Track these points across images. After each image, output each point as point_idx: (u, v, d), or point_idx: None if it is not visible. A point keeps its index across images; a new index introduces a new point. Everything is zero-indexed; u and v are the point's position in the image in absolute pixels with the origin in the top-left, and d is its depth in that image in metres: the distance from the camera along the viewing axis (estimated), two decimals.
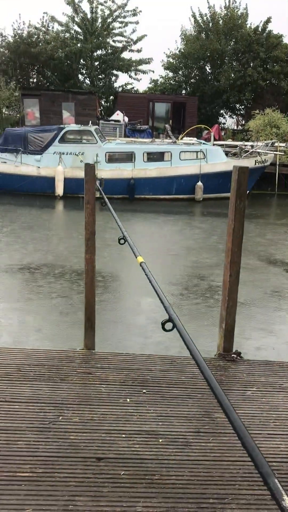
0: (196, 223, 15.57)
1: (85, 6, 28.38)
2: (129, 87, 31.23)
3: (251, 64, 28.16)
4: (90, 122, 19.73)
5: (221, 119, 31.53)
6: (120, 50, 29.39)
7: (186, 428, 3.23)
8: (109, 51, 29.46)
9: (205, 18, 29.43)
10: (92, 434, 3.09)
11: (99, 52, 29.61)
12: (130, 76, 30.44)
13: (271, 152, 19.83)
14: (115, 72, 30.39)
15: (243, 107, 30.82)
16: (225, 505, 2.56)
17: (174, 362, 4.17)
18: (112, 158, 18.02)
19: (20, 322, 6.63)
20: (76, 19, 28.38)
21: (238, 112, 31.50)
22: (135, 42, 29.27)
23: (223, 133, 27.27)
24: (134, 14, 28.61)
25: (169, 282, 8.52)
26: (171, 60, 31.21)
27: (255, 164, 18.44)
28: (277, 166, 20.64)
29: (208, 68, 30.57)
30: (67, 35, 28.52)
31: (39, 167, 17.71)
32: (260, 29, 28.55)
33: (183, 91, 31.15)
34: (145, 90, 31.95)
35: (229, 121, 32.43)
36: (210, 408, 3.42)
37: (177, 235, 13.06)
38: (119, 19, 28.77)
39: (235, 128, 30.78)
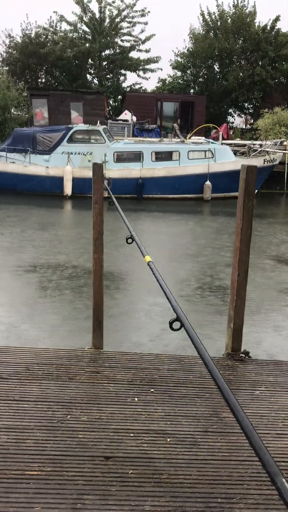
0: (205, 222, 15.55)
1: (94, 6, 28.48)
2: (137, 86, 31.25)
3: (260, 63, 28.04)
4: (98, 121, 19.76)
5: (229, 118, 31.44)
6: (128, 49, 29.40)
7: (194, 427, 3.22)
8: (117, 50, 29.48)
9: (213, 16, 29.35)
10: (100, 433, 3.10)
11: (107, 51, 29.64)
12: (138, 76, 30.46)
13: (280, 151, 19.75)
14: (123, 71, 30.42)
15: (251, 106, 30.71)
16: (233, 504, 2.56)
17: (182, 361, 4.17)
18: (121, 157, 18.04)
19: (29, 321, 6.66)
20: (84, 18, 28.43)
21: (247, 111, 31.40)
22: (143, 42, 29.28)
23: (231, 132, 27.18)
24: (143, 15, 28.63)
25: (177, 281, 8.52)
26: (179, 59, 31.17)
27: (264, 163, 18.38)
28: (286, 165, 20.53)
29: (216, 67, 30.49)
30: (75, 35, 28.57)
31: (47, 167, 17.77)
32: (268, 28, 28.42)
33: (191, 90, 31.09)
34: (153, 90, 31.94)
35: (237, 120, 32.36)
36: (218, 408, 3.42)
37: (185, 235, 13.04)
38: (127, 19, 28.78)
39: (244, 127, 30.68)
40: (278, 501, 2.56)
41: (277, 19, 28.33)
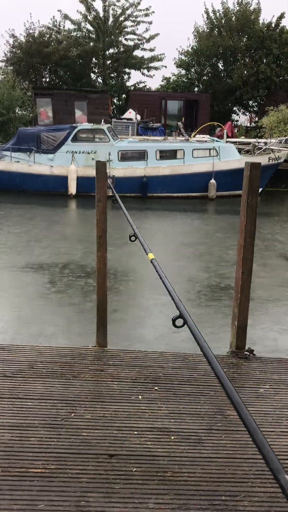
0: (210, 220, 15.52)
1: (98, 5, 28.45)
2: (141, 85, 31.22)
3: (264, 61, 27.94)
4: (103, 120, 19.75)
5: (234, 116, 31.37)
6: (132, 48, 29.37)
7: (198, 425, 3.21)
8: (121, 49, 29.46)
9: (218, 14, 29.27)
10: (104, 431, 3.10)
11: (111, 50, 29.63)
12: (142, 74, 30.43)
13: (285, 149, 19.67)
14: (127, 70, 30.39)
15: (256, 104, 30.60)
16: (237, 502, 2.55)
17: (186, 359, 4.16)
18: (125, 156, 18.03)
19: (33, 319, 6.67)
20: (89, 17, 28.43)
21: (251, 109, 31.30)
22: (147, 41, 29.24)
23: (236, 130, 27.12)
24: (147, 15, 28.59)
25: (182, 279, 8.50)
26: (183, 57, 31.12)
27: (269, 161, 18.31)
28: None
29: (220, 65, 30.41)
30: (79, 33, 28.56)
31: (52, 166, 17.78)
32: (273, 25, 28.31)
33: (196, 89, 31.03)
34: (157, 88, 31.89)
35: (242, 118, 32.28)
36: (222, 405, 3.41)
37: (190, 233, 13.02)
38: (131, 18, 28.75)
39: (248, 125, 30.59)
40: (282, 499, 2.55)
41: (281, 16, 28.23)
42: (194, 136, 20.54)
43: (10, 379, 3.71)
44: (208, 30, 29.67)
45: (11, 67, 28.04)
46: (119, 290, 7.98)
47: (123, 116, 25.23)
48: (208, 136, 21.71)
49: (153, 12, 28.62)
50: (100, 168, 4.38)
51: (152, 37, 29.20)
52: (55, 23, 28.97)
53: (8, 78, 23.33)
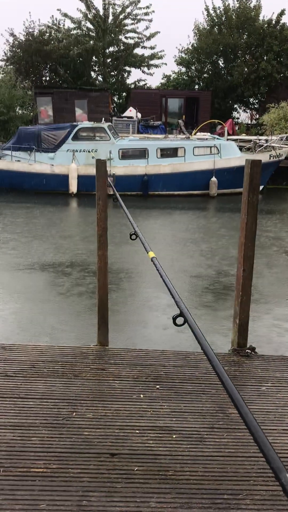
0: (211, 218, 15.50)
1: (98, 3, 28.40)
2: (141, 83, 31.17)
3: (265, 58, 27.88)
4: (103, 119, 19.74)
5: (234, 114, 31.31)
6: (132, 46, 29.32)
7: (200, 423, 3.21)
8: (122, 47, 29.41)
9: (218, 11, 29.21)
10: (105, 430, 3.09)
11: (111, 48, 29.58)
12: (143, 72, 30.39)
13: (286, 146, 19.63)
14: (127, 68, 30.35)
15: (257, 101, 30.54)
16: (239, 500, 2.54)
17: (187, 357, 4.15)
18: (126, 154, 18.01)
19: (34, 318, 6.67)
20: (89, 15, 28.38)
21: (252, 106, 31.23)
22: (148, 38, 29.19)
23: (237, 128, 27.07)
24: (146, 14, 28.54)
25: (183, 277, 8.49)
26: (183, 55, 31.07)
27: (270, 158, 18.28)
28: None
29: (221, 63, 30.34)
30: (79, 32, 28.52)
31: (52, 165, 17.78)
32: (273, 22, 28.24)
33: (196, 86, 30.98)
34: (157, 86, 31.85)
35: (242, 116, 32.21)
36: (224, 404, 3.40)
37: (191, 231, 13.01)
38: (131, 16, 28.69)
39: (249, 122, 30.54)
40: (284, 497, 2.54)
41: (282, 13, 28.14)
42: (195, 134, 20.51)
43: (12, 378, 3.70)
44: (208, 28, 29.61)
45: (11, 66, 28.01)
46: (120, 288, 7.98)
47: (123, 114, 25.21)
48: (209, 134, 21.68)
49: (153, 11, 28.60)
50: (100, 166, 4.36)
51: (152, 35, 29.16)
52: (55, 21, 28.95)
53: (9, 77, 23.29)
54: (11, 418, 3.20)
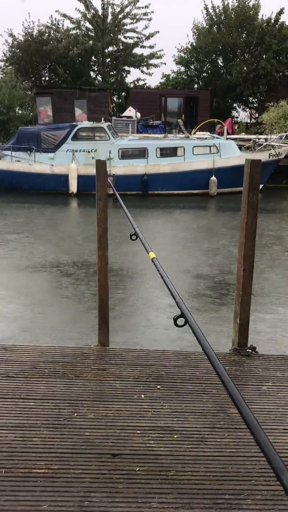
0: (211, 218, 15.50)
1: (96, 3, 28.40)
2: (141, 83, 31.18)
3: (264, 56, 27.87)
4: (103, 119, 19.74)
5: (234, 113, 31.32)
6: (131, 46, 29.32)
7: (201, 423, 3.21)
8: (121, 47, 29.41)
9: (217, 10, 29.20)
10: (107, 430, 3.10)
11: (110, 48, 29.58)
12: (142, 71, 30.39)
13: (286, 145, 19.62)
14: (126, 68, 30.34)
15: (256, 100, 30.54)
16: (241, 500, 2.54)
17: (188, 357, 4.15)
18: (125, 154, 18.01)
19: (35, 319, 6.67)
20: (87, 15, 28.39)
21: (252, 105, 31.23)
22: (147, 38, 29.19)
23: (236, 127, 27.06)
24: (145, 14, 28.54)
25: (183, 277, 8.50)
26: (182, 54, 31.05)
27: (269, 157, 18.27)
28: None
29: (220, 62, 30.34)
30: (78, 32, 28.52)
31: (52, 165, 17.78)
32: (272, 21, 28.23)
33: (195, 86, 30.97)
34: (157, 85, 31.84)
35: (242, 115, 32.21)
36: (225, 404, 3.40)
37: (191, 231, 13.01)
38: (130, 16, 28.68)
39: (249, 121, 30.54)
40: (286, 497, 2.54)
41: (280, 12, 28.14)
42: (194, 133, 20.50)
43: (13, 379, 3.71)
44: (207, 27, 29.60)
45: (11, 67, 28.00)
46: (120, 289, 7.98)
47: (123, 114, 25.21)
48: (208, 133, 21.68)
49: (152, 12, 28.60)
50: (100, 167, 4.37)
51: (151, 35, 29.16)
52: (54, 21, 28.94)
53: (10, 78, 23.25)
54: (12, 418, 3.20)
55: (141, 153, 17.98)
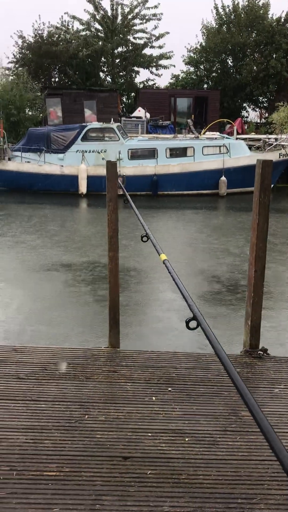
0: (221, 218, 15.44)
1: (106, 4, 28.42)
2: (150, 83, 31.15)
3: (274, 56, 27.73)
4: (112, 119, 19.74)
5: (243, 113, 31.18)
6: (141, 46, 29.30)
7: (213, 426, 3.18)
8: (130, 48, 29.40)
9: (227, 10, 29.11)
10: (118, 433, 3.08)
11: (119, 49, 29.58)
12: (151, 72, 30.35)
13: None
14: (136, 68, 30.33)
15: (266, 99, 30.39)
16: (253, 505, 2.52)
17: (199, 359, 4.13)
18: (135, 154, 18.00)
19: (46, 320, 6.68)
20: (97, 16, 28.42)
21: (261, 105, 31.09)
22: (156, 38, 29.16)
23: (246, 127, 26.95)
24: (154, 14, 28.49)
25: (195, 278, 8.46)
26: (192, 54, 30.97)
27: (280, 157, 18.17)
28: None
29: (230, 61, 30.24)
30: (88, 33, 28.56)
31: (62, 166, 17.82)
32: (282, 20, 28.08)
33: (205, 86, 30.88)
34: (166, 86, 31.80)
35: (252, 114, 32.06)
36: (237, 406, 3.37)
37: (202, 231, 12.96)
38: (139, 16, 28.67)
39: (258, 121, 30.40)
40: None
41: None
42: (204, 133, 20.44)
43: (24, 381, 3.70)
44: (217, 26, 29.52)
45: (21, 68, 28.11)
46: (131, 290, 7.96)
47: (132, 115, 25.19)
48: (218, 133, 21.60)
49: (162, 13, 28.58)
50: (111, 168, 4.36)
51: (161, 35, 29.12)
52: (64, 23, 29.01)
53: (23, 80, 23.29)
54: (23, 420, 3.20)
55: (151, 154, 17.96)
